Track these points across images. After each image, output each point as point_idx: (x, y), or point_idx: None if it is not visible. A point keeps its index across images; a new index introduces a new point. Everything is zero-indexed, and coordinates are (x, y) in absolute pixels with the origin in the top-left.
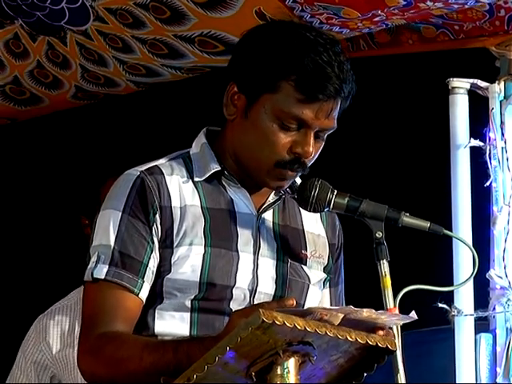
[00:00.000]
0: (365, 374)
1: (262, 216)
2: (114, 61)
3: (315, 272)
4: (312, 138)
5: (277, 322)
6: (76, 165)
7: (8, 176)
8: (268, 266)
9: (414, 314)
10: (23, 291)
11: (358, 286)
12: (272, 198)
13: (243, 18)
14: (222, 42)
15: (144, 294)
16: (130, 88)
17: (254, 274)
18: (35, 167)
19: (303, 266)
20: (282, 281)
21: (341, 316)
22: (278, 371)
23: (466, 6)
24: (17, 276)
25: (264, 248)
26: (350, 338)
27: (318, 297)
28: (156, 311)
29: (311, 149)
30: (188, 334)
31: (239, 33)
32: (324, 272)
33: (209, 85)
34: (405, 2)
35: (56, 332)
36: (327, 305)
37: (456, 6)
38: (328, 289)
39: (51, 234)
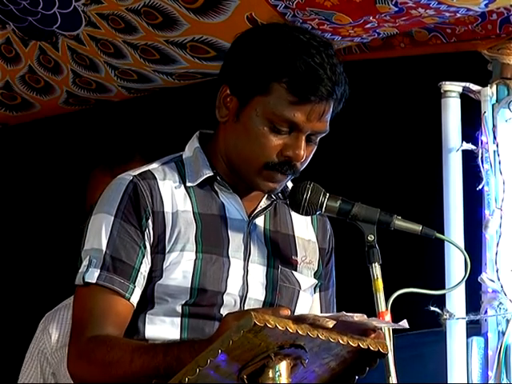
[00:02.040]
0: (356, 377)
1: (254, 222)
2: (106, 66)
3: (306, 278)
4: (303, 142)
5: (268, 325)
6: (70, 166)
7: (3, 178)
8: (258, 272)
9: (405, 323)
10: (25, 291)
11: (349, 289)
12: (263, 203)
13: (235, 23)
14: (214, 47)
15: (135, 298)
16: (122, 94)
17: (244, 280)
18: (29, 170)
19: (294, 272)
20: (272, 287)
21: (333, 323)
22: (270, 374)
23: (458, 15)
24: (16, 278)
25: (254, 254)
26: (341, 342)
27: (308, 303)
28: (147, 316)
29: (302, 152)
30: (178, 338)
31: (231, 38)
32: (314, 278)
33: (202, 89)
34: (396, 9)
35: (58, 329)
36: (317, 309)
37: (447, 15)
38: (318, 293)
39: (47, 234)
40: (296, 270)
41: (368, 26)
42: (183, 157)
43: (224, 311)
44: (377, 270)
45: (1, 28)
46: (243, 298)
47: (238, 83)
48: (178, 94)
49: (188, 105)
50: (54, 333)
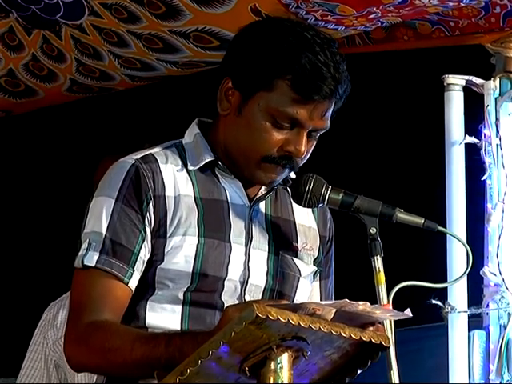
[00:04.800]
0: (358, 371)
1: (255, 207)
2: (109, 55)
3: (306, 265)
4: (305, 138)
5: (271, 317)
6: (72, 157)
7: (3, 170)
8: (260, 258)
9: (408, 312)
10: (30, 280)
11: (351, 282)
12: (265, 189)
13: (238, 14)
14: (217, 37)
15: (133, 283)
16: (125, 82)
17: (246, 265)
18: (35, 160)
19: (294, 258)
20: (273, 273)
21: (333, 311)
22: (272, 366)
23: (462, 4)
24: (22, 267)
25: (256, 240)
26: (343, 334)
27: (308, 289)
28: (148, 303)
29: (303, 148)
30: (179, 327)
31: (234, 28)
32: (314, 265)
33: (201, 79)
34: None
35: (64, 319)
36: (317, 297)
37: (451, 4)
38: (318, 281)
39: (53, 224)
40: (297, 257)
41: (372, 16)
42: (183, 142)
43: (225, 297)
44: (379, 262)
45: (4, 16)
46: (244, 283)
47: (241, 78)
48: (186, 83)
49: (196, 94)
50: (59, 322)
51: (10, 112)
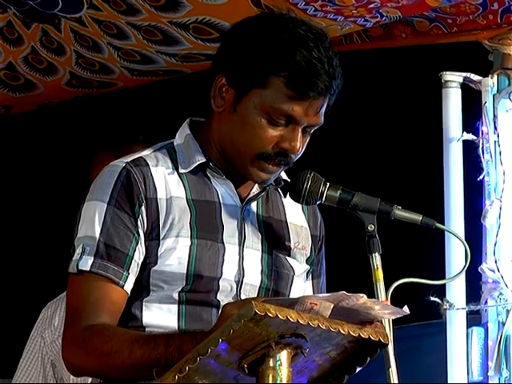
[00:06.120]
0: (357, 368)
1: (247, 207)
2: (109, 47)
3: (299, 263)
4: (300, 134)
5: (269, 315)
6: (69, 156)
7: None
8: (253, 258)
9: (406, 309)
10: (27, 279)
11: (349, 279)
12: (256, 189)
13: (238, 5)
14: (217, 28)
15: (129, 286)
16: (125, 76)
17: (240, 265)
18: (28, 159)
19: (287, 257)
20: (267, 272)
21: (331, 306)
22: (271, 363)
23: None
24: (19, 267)
25: (249, 239)
26: (342, 331)
27: (301, 288)
28: (143, 303)
29: (299, 144)
30: (176, 325)
31: (234, 20)
32: (307, 263)
33: (198, 78)
34: None
35: (61, 319)
36: None
37: None
38: (310, 280)
39: (50, 222)
40: (290, 256)
41: (371, 6)
42: (174, 144)
43: (220, 297)
44: (377, 259)
45: (1, 12)
46: (239, 283)
47: (234, 75)
48: (183, 82)
49: (192, 92)
50: (56, 321)
51: (9, 108)
